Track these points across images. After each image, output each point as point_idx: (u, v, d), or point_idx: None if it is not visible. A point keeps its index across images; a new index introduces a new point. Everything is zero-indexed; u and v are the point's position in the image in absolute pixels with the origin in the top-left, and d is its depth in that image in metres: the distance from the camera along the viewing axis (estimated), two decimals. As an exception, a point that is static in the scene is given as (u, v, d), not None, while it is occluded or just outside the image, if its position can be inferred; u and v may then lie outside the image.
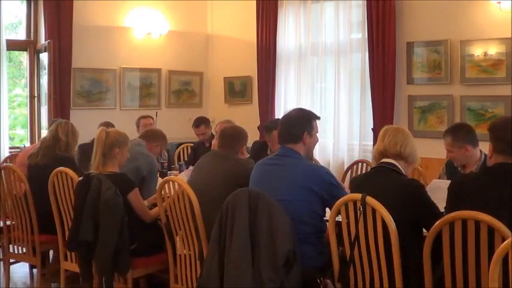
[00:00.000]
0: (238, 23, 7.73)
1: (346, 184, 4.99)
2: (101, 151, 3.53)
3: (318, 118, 3.23)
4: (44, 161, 4.14)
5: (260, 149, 4.72)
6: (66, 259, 3.95)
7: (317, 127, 3.20)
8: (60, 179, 3.83)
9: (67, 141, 4.24)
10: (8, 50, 6.59)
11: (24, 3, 6.94)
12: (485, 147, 2.86)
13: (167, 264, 3.61)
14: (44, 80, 6.68)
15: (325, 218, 3.06)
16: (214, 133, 5.68)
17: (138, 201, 3.56)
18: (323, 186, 2.97)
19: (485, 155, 3.66)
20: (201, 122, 5.93)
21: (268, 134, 4.76)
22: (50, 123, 5.33)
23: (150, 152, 4.28)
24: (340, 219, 2.81)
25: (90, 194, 3.39)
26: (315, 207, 2.98)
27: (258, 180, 3.12)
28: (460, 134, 3.66)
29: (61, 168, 3.84)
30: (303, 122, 3.14)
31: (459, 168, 3.80)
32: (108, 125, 5.38)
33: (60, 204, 3.88)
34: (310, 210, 2.97)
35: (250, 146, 5.55)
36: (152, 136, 4.45)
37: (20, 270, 4.78)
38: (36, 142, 5.86)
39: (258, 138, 6.79)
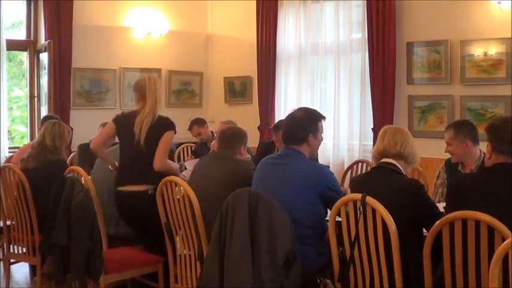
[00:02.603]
0: (238, 23, 7.73)
1: (346, 184, 5.00)
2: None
3: (324, 118, 3.21)
4: (34, 165, 4.19)
5: (267, 149, 4.71)
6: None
7: (322, 128, 3.19)
8: None
9: (54, 146, 4.25)
10: (8, 50, 6.58)
11: (24, 3, 6.94)
12: (484, 147, 2.85)
13: (148, 270, 3.64)
14: (44, 80, 6.68)
15: (325, 218, 3.06)
16: (214, 132, 5.70)
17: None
18: (326, 188, 2.98)
19: (484, 154, 3.66)
20: (192, 124, 6.02)
21: (275, 133, 4.77)
22: (41, 122, 5.34)
23: None
24: (340, 219, 2.81)
25: (63, 197, 3.38)
26: (318, 209, 2.99)
27: (262, 180, 3.12)
28: (463, 129, 3.70)
29: None
30: (308, 124, 3.11)
31: (459, 168, 3.80)
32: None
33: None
34: (312, 213, 2.97)
35: (257, 146, 5.57)
36: None
37: (20, 270, 4.78)
38: (30, 142, 5.85)
39: (258, 139, 6.80)
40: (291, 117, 3.20)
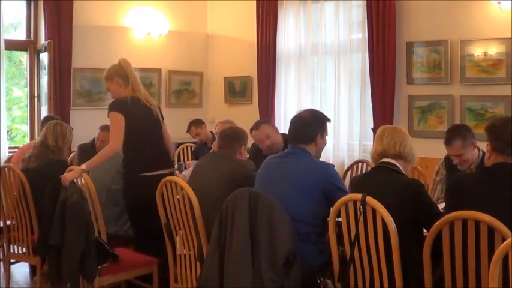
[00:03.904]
0: (238, 23, 7.73)
1: (346, 184, 5.00)
2: None
3: (329, 120, 3.28)
4: (35, 165, 4.19)
5: (258, 151, 4.71)
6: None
7: (327, 129, 3.25)
8: None
9: (57, 146, 4.25)
10: (8, 50, 6.59)
11: (24, 3, 6.94)
12: (483, 146, 2.86)
13: (142, 272, 3.60)
14: (44, 80, 6.68)
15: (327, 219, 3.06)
16: (214, 132, 5.70)
17: None
18: (331, 185, 2.99)
19: (483, 152, 3.66)
20: (190, 125, 6.05)
21: (250, 134, 4.74)
22: (41, 123, 5.35)
23: None
24: (340, 220, 2.81)
25: (60, 198, 3.36)
26: (320, 207, 2.99)
27: (265, 177, 3.14)
28: (468, 133, 3.64)
29: None
30: (317, 124, 3.17)
31: (459, 166, 3.78)
32: (107, 128, 5.40)
33: None
34: (314, 211, 2.97)
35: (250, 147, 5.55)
36: None
37: (20, 270, 4.78)
38: (30, 142, 5.86)
39: (258, 139, 6.79)
40: (299, 117, 3.25)
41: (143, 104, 3.83)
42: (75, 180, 3.60)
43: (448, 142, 3.63)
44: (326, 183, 2.98)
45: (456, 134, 3.65)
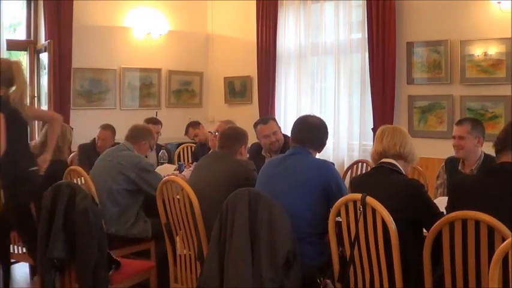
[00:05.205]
0: (238, 23, 7.74)
1: (346, 184, 5.00)
2: None
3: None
4: None
5: (257, 151, 4.72)
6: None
7: None
8: None
9: (57, 146, 4.23)
10: (8, 50, 6.57)
11: (24, 3, 6.94)
12: (487, 147, 2.86)
13: (141, 277, 3.52)
14: (44, 80, 6.67)
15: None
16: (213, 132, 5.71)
17: None
18: (333, 183, 3.00)
19: (485, 154, 3.67)
20: (187, 127, 6.08)
21: (254, 128, 4.74)
22: (42, 123, 5.33)
23: (137, 152, 4.22)
24: (340, 219, 2.81)
25: (60, 205, 3.07)
26: (320, 206, 2.99)
27: (267, 176, 3.15)
28: (479, 126, 3.74)
29: None
30: (326, 132, 3.24)
31: (459, 168, 3.80)
32: (109, 127, 5.42)
33: None
34: (313, 209, 2.98)
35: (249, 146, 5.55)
36: (137, 136, 4.29)
37: (20, 270, 4.78)
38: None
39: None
40: (309, 121, 3.25)
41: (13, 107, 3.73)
42: (75, 181, 3.59)
43: (459, 122, 3.84)
44: (327, 180, 2.99)
45: (469, 120, 3.85)
